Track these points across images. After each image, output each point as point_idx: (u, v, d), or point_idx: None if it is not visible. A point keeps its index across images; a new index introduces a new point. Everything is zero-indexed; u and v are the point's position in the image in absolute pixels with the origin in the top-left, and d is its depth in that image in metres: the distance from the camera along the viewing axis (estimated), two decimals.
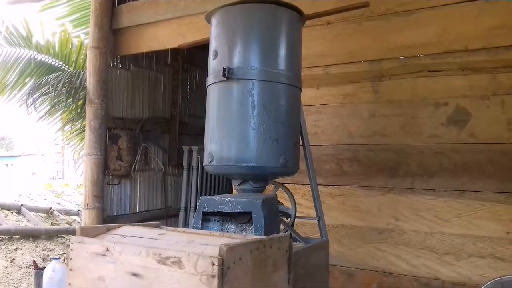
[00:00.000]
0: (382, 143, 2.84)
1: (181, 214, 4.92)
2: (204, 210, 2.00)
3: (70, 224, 7.00)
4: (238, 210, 1.93)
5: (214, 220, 2.11)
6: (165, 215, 4.80)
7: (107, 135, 4.01)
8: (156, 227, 1.91)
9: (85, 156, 3.84)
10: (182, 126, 5.03)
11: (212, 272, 1.25)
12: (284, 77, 2.05)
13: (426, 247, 2.68)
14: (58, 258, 3.86)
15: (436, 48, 2.69)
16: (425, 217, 2.70)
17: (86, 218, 3.84)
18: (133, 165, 4.14)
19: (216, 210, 1.97)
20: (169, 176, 4.90)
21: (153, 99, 4.67)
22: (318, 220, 2.37)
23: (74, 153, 6.36)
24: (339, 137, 2.98)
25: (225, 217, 2.10)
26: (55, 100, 3.84)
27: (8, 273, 5.37)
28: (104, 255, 1.49)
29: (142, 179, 4.50)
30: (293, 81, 2.10)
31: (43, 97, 3.98)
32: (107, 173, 4.06)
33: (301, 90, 2.18)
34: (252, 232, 1.98)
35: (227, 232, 2.08)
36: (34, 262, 4.17)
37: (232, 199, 1.94)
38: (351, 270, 2.89)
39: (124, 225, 1.78)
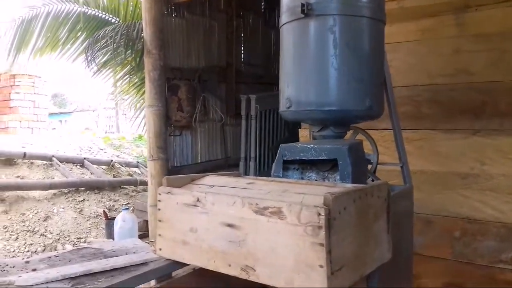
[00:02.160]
0: (467, 81, 2.59)
1: (241, 163, 4.89)
2: (285, 158, 1.89)
3: (131, 175, 7.22)
4: (322, 158, 1.81)
5: (294, 168, 2.01)
6: (225, 165, 4.79)
7: (167, 86, 3.95)
8: (238, 176, 1.83)
9: (146, 108, 3.82)
10: (238, 74, 4.91)
11: (319, 222, 1.15)
12: (368, 9, 1.85)
13: None
14: (128, 208, 3.96)
15: None
16: None
17: (151, 169, 3.88)
18: (194, 115, 4.10)
19: (297, 158, 1.86)
20: (227, 127, 4.86)
21: (208, 47, 4.55)
22: (402, 166, 2.23)
23: (130, 106, 6.43)
24: (416, 77, 2.76)
25: (305, 165, 2.00)
26: (115, 52, 3.80)
27: (77, 224, 5.63)
28: (195, 205, 1.43)
29: (202, 130, 4.47)
30: (377, 14, 1.89)
31: (101, 51, 3.94)
32: (169, 124, 4.04)
33: (385, 24, 1.97)
34: (335, 180, 1.87)
35: (308, 180, 1.98)
36: (105, 212, 4.31)
37: (315, 146, 1.81)
38: (431, 217, 2.75)
39: (208, 175, 1.71)
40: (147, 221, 4.22)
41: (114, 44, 3.70)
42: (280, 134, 5.10)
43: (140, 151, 8.79)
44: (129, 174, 7.28)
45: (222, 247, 1.36)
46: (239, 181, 1.60)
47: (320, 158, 1.82)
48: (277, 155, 1.95)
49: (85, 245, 2.55)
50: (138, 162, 7.81)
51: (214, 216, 1.38)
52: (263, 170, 5.14)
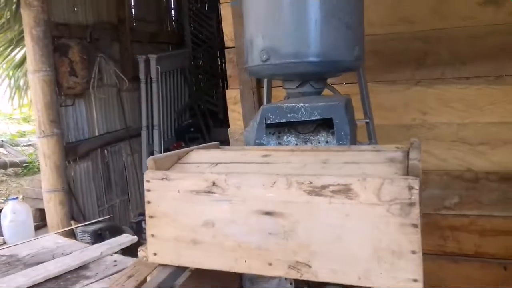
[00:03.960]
0: (409, 31, 2.52)
1: (144, 133, 4.39)
2: (269, 122, 1.59)
3: None
4: (314, 118, 1.55)
5: (269, 133, 1.72)
6: (126, 136, 4.24)
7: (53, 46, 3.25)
8: (216, 148, 1.49)
9: (31, 74, 3.11)
10: (131, 32, 4.30)
11: (411, 198, 0.91)
12: None
13: (459, 139, 2.53)
14: (16, 197, 3.26)
15: None
16: (456, 108, 2.51)
17: (44, 148, 3.22)
18: (91, 80, 3.47)
19: (284, 120, 1.58)
20: (124, 92, 4.26)
21: None
22: (367, 122, 2.08)
23: None
24: None
25: (282, 128, 1.72)
26: None
27: None
28: (209, 192, 1.07)
29: (97, 98, 3.84)
30: None
31: None
32: (59, 93, 3.37)
33: None
34: (319, 143, 1.65)
35: (287, 145, 1.72)
36: None
37: (306, 105, 1.54)
38: None
39: (191, 149, 1.33)
40: (40, 210, 3.55)
41: None
42: (184, 98, 4.68)
43: (6, 127, 7.47)
44: None
45: (258, 243, 1.04)
46: (247, 155, 1.27)
47: (312, 118, 1.56)
48: (257, 118, 1.63)
49: None
50: (2, 141, 6.64)
51: (242, 204, 1.04)
52: (168, 139, 4.70)
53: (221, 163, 1.21)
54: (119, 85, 4.03)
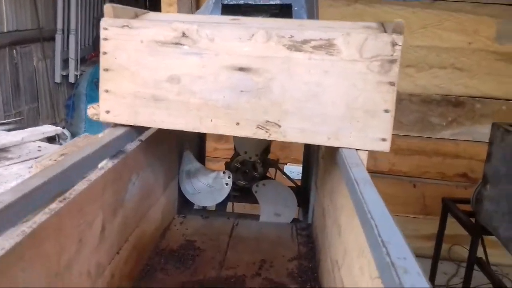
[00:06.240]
0: None
1: (58, 37, 3.99)
2: (226, 2, 1.50)
3: None
4: (274, 2, 1.50)
5: None
6: (38, 37, 3.81)
7: None
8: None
9: None
10: None
11: (392, 55, 0.91)
12: None
13: None
14: None
15: None
16: None
17: None
18: None
19: (242, 2, 1.50)
20: None
21: None
22: None
23: None
24: None
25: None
26: None
27: None
28: (178, 43, 0.98)
29: None
30: None
31: None
32: None
33: None
34: None
35: None
36: None
37: None
38: None
39: (149, 12, 1.21)
40: None
41: None
42: (102, 3, 4.29)
43: None
44: None
45: (227, 100, 0.99)
46: (214, 18, 1.18)
47: (271, 3, 1.50)
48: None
49: None
50: None
51: (214, 58, 0.97)
52: (85, 47, 4.33)
53: (188, 22, 1.12)
54: None
